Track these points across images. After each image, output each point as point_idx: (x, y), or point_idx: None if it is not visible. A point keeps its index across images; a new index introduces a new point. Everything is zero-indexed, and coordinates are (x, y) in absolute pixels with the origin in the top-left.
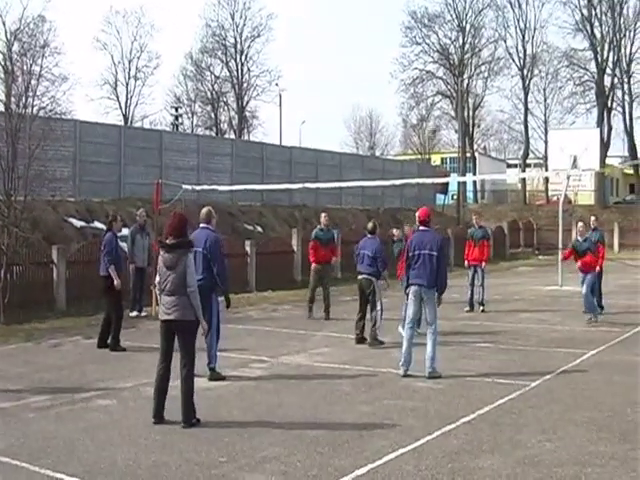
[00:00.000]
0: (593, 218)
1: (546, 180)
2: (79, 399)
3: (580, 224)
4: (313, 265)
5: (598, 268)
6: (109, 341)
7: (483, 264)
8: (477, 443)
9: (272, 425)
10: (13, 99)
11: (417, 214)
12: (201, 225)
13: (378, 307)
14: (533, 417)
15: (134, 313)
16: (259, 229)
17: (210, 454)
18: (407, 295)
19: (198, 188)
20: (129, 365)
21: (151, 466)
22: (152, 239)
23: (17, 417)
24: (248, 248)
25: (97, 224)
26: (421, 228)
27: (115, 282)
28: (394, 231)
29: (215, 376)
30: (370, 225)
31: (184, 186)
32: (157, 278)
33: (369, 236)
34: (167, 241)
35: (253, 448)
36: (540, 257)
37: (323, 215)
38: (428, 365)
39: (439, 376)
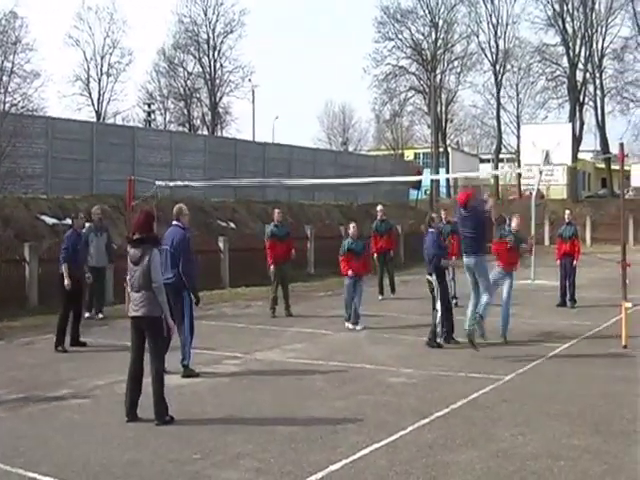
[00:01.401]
0: (568, 212)
1: (519, 175)
2: (52, 398)
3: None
4: (272, 267)
5: (575, 262)
6: (60, 338)
7: (453, 258)
8: (451, 437)
9: (246, 422)
10: None
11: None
12: (173, 222)
13: (437, 306)
14: (506, 411)
15: (86, 314)
16: (232, 225)
17: (184, 451)
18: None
19: (171, 184)
20: (102, 363)
21: (125, 464)
22: (110, 237)
23: None
24: (221, 244)
25: (69, 221)
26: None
27: (65, 282)
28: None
29: (188, 373)
30: (427, 219)
31: (157, 182)
32: (128, 275)
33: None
34: (133, 237)
35: (227, 445)
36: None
37: (276, 211)
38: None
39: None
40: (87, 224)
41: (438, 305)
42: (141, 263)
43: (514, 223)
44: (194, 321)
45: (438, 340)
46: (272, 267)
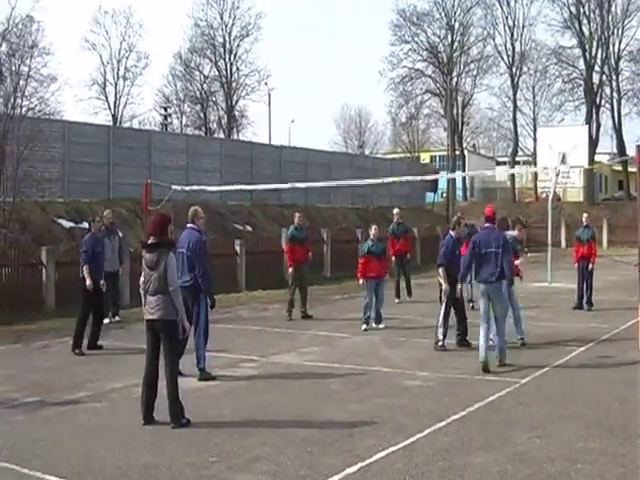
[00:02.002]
0: (585, 215)
1: (535, 177)
2: (68, 401)
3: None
4: (291, 269)
5: (591, 265)
6: (78, 341)
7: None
8: (467, 440)
9: (262, 425)
10: (1, 100)
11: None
12: (188, 225)
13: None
14: (523, 414)
15: (106, 320)
16: (249, 229)
17: (200, 454)
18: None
19: (187, 188)
20: (119, 366)
21: (141, 467)
22: (122, 240)
23: (5, 419)
24: (238, 248)
25: (86, 225)
26: (486, 225)
27: (87, 282)
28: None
29: (205, 376)
30: (454, 220)
31: (173, 186)
32: (142, 278)
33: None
34: (148, 241)
35: (243, 448)
36: (529, 254)
37: (297, 215)
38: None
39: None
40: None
41: (442, 308)
42: (157, 267)
43: (516, 232)
44: (209, 324)
45: (439, 343)
46: (291, 270)
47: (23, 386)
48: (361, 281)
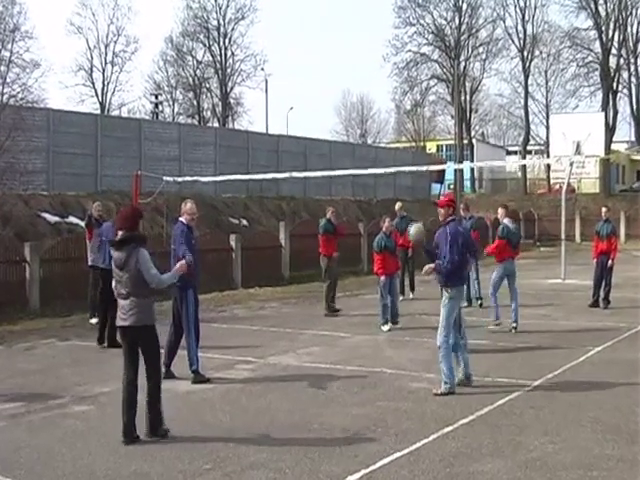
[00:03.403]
0: (604, 209)
1: (548, 168)
2: (54, 405)
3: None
4: (325, 257)
5: (611, 262)
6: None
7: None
8: (476, 446)
9: (259, 430)
10: None
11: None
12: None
13: None
14: (535, 418)
15: (94, 320)
16: (244, 222)
17: (194, 461)
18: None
19: (180, 180)
20: (107, 368)
21: (131, 475)
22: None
23: None
24: (233, 243)
25: (73, 219)
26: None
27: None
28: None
29: (199, 379)
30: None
31: (165, 178)
32: (113, 282)
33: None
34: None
35: (239, 454)
36: (542, 249)
37: (330, 209)
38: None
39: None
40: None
41: None
42: (127, 266)
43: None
44: (199, 323)
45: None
46: (327, 261)
47: (6, 390)
48: (382, 278)
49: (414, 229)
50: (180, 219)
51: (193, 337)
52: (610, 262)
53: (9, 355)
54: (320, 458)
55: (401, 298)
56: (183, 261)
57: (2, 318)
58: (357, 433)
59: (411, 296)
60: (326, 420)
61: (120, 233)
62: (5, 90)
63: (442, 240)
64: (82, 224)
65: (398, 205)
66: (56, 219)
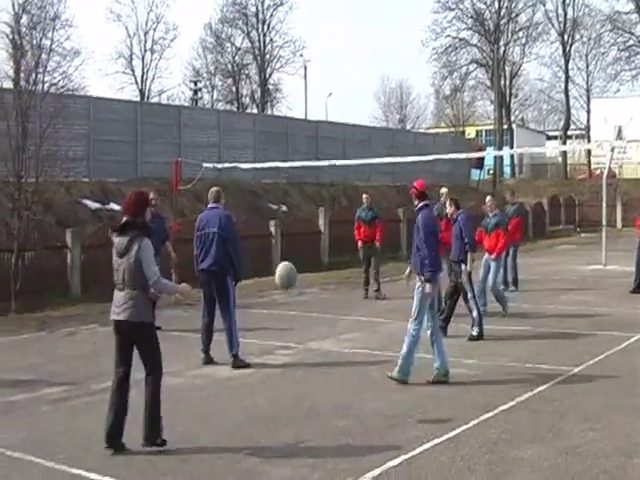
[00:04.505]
0: None
1: (588, 153)
2: (95, 390)
3: (488, 198)
4: (359, 248)
5: None
6: None
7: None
8: (516, 433)
9: (299, 415)
10: (22, 75)
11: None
12: (210, 205)
13: (469, 296)
14: (575, 405)
15: None
16: (284, 208)
17: (234, 447)
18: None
19: (219, 166)
20: None
21: (172, 459)
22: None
23: (30, 410)
24: (272, 229)
25: (113, 206)
26: (424, 203)
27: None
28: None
29: (239, 363)
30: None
31: (204, 164)
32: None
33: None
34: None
35: (279, 440)
36: (582, 235)
37: (364, 195)
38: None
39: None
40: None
41: (470, 295)
42: (128, 254)
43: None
44: (236, 309)
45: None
46: (359, 244)
47: (48, 376)
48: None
49: None
50: (218, 206)
51: (234, 322)
52: None
53: (51, 341)
54: (360, 443)
55: None
56: (189, 287)
57: (44, 304)
58: (397, 419)
59: None
60: (366, 405)
61: (124, 218)
62: (46, 78)
63: (415, 228)
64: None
65: (444, 190)
66: (97, 206)
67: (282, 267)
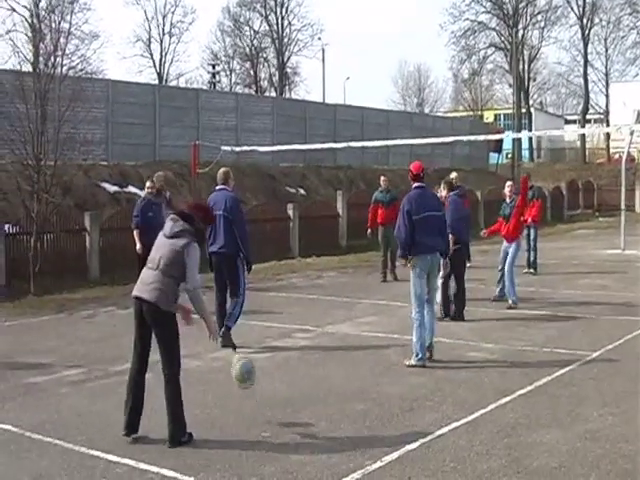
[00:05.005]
0: None
1: (607, 137)
2: (114, 372)
3: (508, 183)
4: (369, 231)
5: None
6: None
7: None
8: (534, 417)
9: (317, 398)
10: (41, 59)
11: (411, 168)
12: (218, 187)
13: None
14: (594, 389)
15: None
16: (302, 192)
17: (252, 430)
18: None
19: (237, 149)
20: None
21: (191, 442)
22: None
23: (50, 392)
24: (290, 212)
25: (132, 189)
26: (416, 185)
27: (137, 246)
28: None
29: (226, 342)
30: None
31: (223, 147)
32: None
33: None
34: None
35: (298, 423)
36: (601, 219)
37: (382, 178)
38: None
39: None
40: (144, 191)
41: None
42: (174, 240)
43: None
44: (246, 292)
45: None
46: (368, 230)
47: (67, 358)
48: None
49: None
50: (226, 187)
51: (240, 305)
52: None
53: (70, 323)
54: (378, 427)
55: None
56: (215, 328)
57: (63, 286)
58: (415, 402)
59: (468, 265)
60: (384, 389)
61: (188, 209)
62: (65, 62)
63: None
64: (141, 194)
65: (454, 175)
66: (115, 189)
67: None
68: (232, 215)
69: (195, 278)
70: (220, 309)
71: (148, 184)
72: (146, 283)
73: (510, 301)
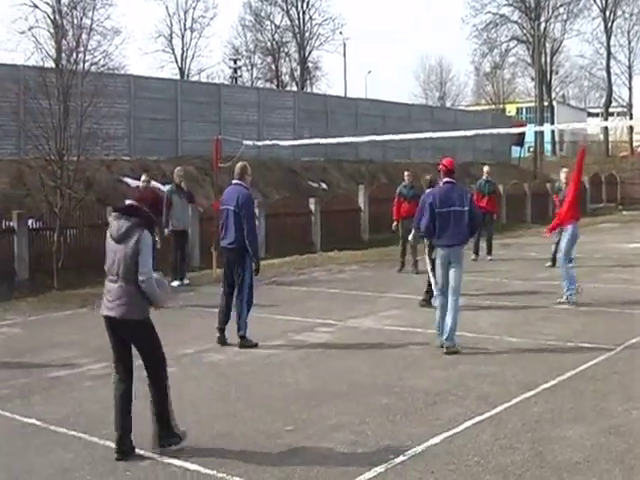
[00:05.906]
0: None
1: (630, 130)
2: (137, 367)
3: (564, 170)
4: (395, 224)
5: None
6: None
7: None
8: (558, 411)
9: (340, 392)
10: (64, 55)
11: (443, 163)
12: (234, 181)
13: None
14: (619, 384)
15: (176, 283)
16: (324, 186)
17: (275, 423)
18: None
19: (259, 144)
20: (189, 330)
21: (214, 435)
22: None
23: (73, 386)
24: (312, 206)
25: (154, 183)
26: (446, 180)
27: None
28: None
29: (246, 344)
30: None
31: (244, 142)
32: (107, 260)
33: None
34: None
35: (321, 416)
36: (624, 212)
37: (406, 173)
38: (447, 338)
39: (457, 352)
40: (167, 185)
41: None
42: (125, 242)
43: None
44: (253, 289)
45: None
46: (394, 224)
47: (91, 352)
48: None
49: None
50: (240, 182)
51: (246, 302)
52: None
53: (93, 317)
54: (402, 421)
55: (474, 257)
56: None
57: (86, 281)
58: (438, 396)
59: (488, 258)
60: (407, 383)
61: (130, 202)
62: (87, 57)
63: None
64: (164, 189)
65: (486, 169)
66: (137, 184)
67: None
68: (242, 211)
69: (149, 266)
70: (222, 307)
71: (143, 177)
72: (113, 300)
73: (564, 297)
